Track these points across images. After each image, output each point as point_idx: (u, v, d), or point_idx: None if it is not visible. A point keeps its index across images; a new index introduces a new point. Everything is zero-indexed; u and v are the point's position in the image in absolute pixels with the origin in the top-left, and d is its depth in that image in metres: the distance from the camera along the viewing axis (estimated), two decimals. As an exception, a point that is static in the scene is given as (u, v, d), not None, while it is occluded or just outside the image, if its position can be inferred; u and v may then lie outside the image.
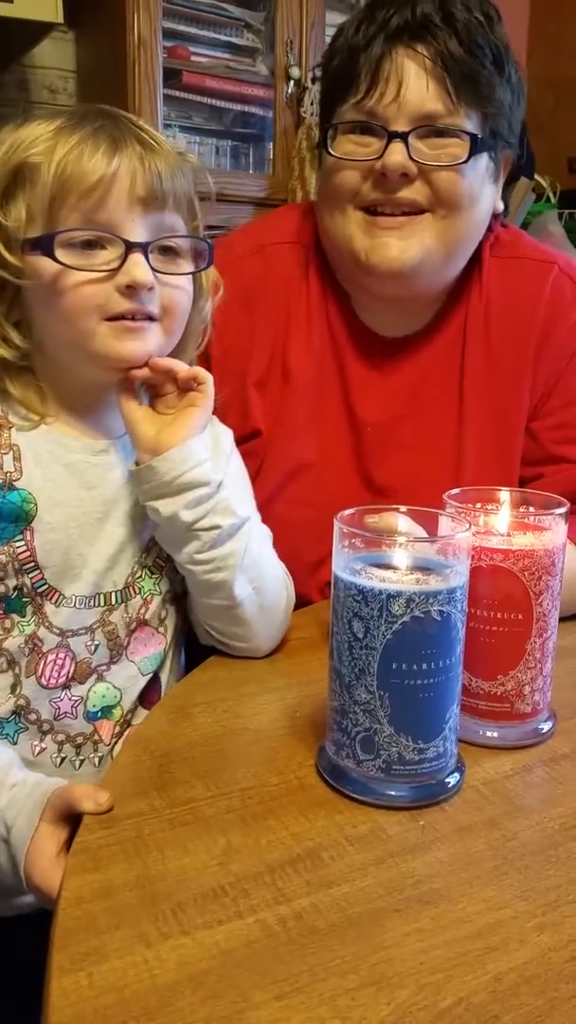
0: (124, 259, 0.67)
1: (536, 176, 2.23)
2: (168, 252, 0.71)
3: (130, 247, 0.67)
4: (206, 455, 0.71)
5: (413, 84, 0.84)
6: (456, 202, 0.87)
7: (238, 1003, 0.40)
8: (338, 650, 0.56)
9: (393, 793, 0.55)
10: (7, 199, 0.67)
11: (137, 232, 0.68)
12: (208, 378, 0.73)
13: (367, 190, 0.88)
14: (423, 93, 0.84)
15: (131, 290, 0.67)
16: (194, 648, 0.82)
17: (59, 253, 0.66)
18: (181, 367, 0.72)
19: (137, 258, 0.67)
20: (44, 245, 0.66)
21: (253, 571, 0.74)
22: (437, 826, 0.53)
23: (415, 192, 0.86)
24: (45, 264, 0.66)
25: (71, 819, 0.57)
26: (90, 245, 0.67)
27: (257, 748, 0.63)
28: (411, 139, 0.84)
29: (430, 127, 0.84)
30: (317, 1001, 0.40)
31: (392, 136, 0.84)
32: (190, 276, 0.73)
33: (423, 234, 0.87)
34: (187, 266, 0.72)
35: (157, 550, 0.76)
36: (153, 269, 0.68)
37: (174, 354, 0.74)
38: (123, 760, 0.60)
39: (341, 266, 0.95)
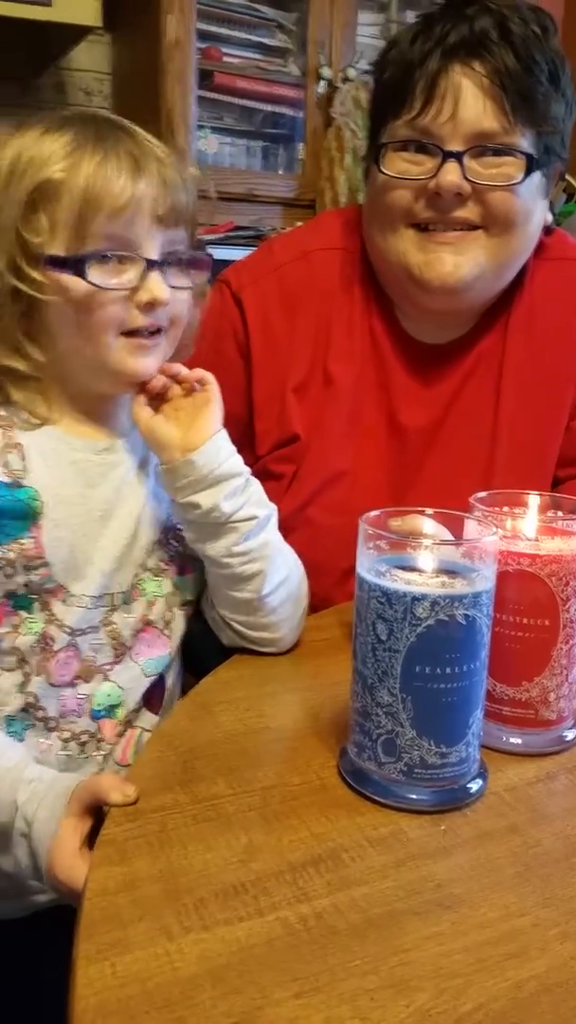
0: (144, 277, 0.68)
1: (567, 177, 2.21)
2: (175, 265, 0.72)
3: (150, 266, 0.68)
4: (232, 447, 0.74)
5: (470, 103, 0.83)
6: (510, 220, 0.87)
7: (258, 999, 0.41)
8: (361, 652, 0.56)
9: (414, 797, 0.55)
10: (29, 215, 0.67)
11: (153, 248, 0.69)
12: (211, 378, 0.74)
13: (420, 209, 0.87)
14: (479, 112, 0.83)
15: (149, 307, 0.69)
16: (193, 663, 0.82)
17: (90, 273, 0.67)
18: (183, 370, 0.74)
19: (156, 276, 0.69)
20: (75, 265, 0.66)
21: (280, 559, 0.75)
22: (458, 831, 0.53)
23: (469, 211, 0.86)
24: (72, 282, 0.67)
25: (94, 812, 0.58)
26: (106, 260, 0.67)
27: (279, 747, 0.63)
28: (466, 159, 0.84)
29: (485, 146, 0.84)
30: (337, 1000, 0.41)
31: (447, 155, 0.84)
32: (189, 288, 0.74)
33: (477, 251, 0.87)
34: (186, 278, 0.73)
35: (159, 553, 0.77)
36: (169, 285, 0.70)
37: (171, 359, 0.75)
38: (148, 755, 0.61)
39: (389, 278, 0.95)
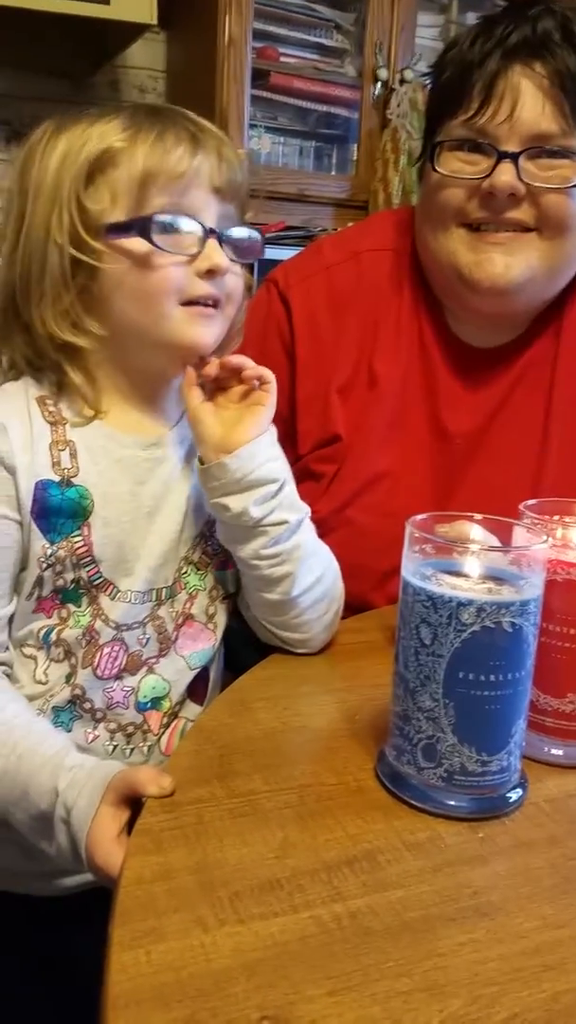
0: (203, 244, 0.69)
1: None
2: (229, 242, 0.72)
3: (208, 233, 0.69)
4: (274, 452, 0.73)
5: (528, 103, 0.82)
6: (564, 223, 0.86)
7: (290, 995, 0.41)
8: (404, 655, 0.56)
9: (453, 803, 0.55)
10: (88, 186, 0.68)
11: (210, 219, 0.70)
12: (272, 378, 0.74)
13: (473, 208, 0.87)
14: (538, 113, 0.82)
15: (210, 274, 0.69)
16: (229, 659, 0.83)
17: (154, 235, 0.67)
18: (249, 364, 0.73)
19: (215, 243, 0.69)
20: (139, 227, 0.67)
21: (312, 560, 0.75)
22: (496, 839, 0.53)
23: (522, 213, 0.86)
24: (134, 245, 0.68)
25: (131, 802, 0.58)
26: (167, 229, 0.68)
27: (316, 747, 0.63)
28: (522, 160, 0.83)
29: (541, 148, 0.83)
30: (369, 1001, 0.41)
31: (502, 156, 0.83)
32: (242, 267, 0.75)
33: (529, 253, 0.87)
34: (237, 255, 0.73)
35: (203, 546, 0.77)
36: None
37: (219, 349, 0.75)
38: (185, 748, 0.62)
39: (439, 279, 0.94)
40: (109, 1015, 0.39)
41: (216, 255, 0.69)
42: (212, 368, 0.72)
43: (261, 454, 0.71)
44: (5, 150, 2.09)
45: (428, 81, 0.95)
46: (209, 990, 0.41)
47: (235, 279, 0.73)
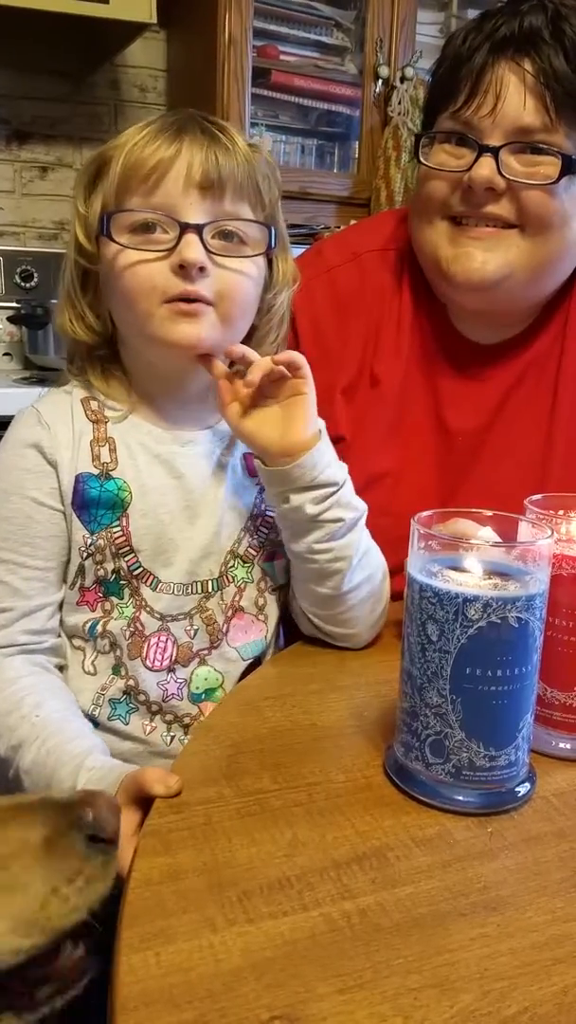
0: (179, 240, 0.69)
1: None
2: (229, 237, 0.71)
3: (184, 228, 0.69)
4: (331, 455, 0.73)
5: (511, 98, 0.82)
6: (546, 221, 0.85)
7: (301, 993, 0.41)
8: (410, 652, 0.55)
9: (461, 798, 0.54)
10: (90, 193, 0.73)
11: (194, 216, 0.69)
12: (303, 361, 0.72)
13: (455, 202, 0.87)
14: (519, 107, 0.82)
15: (183, 270, 0.69)
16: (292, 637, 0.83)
17: (116, 234, 0.69)
18: (255, 356, 0.71)
19: (190, 239, 0.68)
20: (103, 226, 0.70)
21: (365, 559, 0.75)
22: (505, 834, 0.53)
23: (502, 208, 0.85)
24: (108, 246, 0.70)
25: (143, 803, 0.58)
26: (149, 229, 0.69)
27: (324, 745, 0.63)
28: (503, 154, 0.82)
29: (524, 143, 0.83)
30: (380, 998, 0.40)
31: (483, 150, 0.83)
32: (257, 264, 0.74)
33: (508, 250, 0.86)
34: (240, 252, 0.72)
35: (248, 540, 0.78)
36: (210, 252, 0.69)
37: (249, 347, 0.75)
38: (193, 748, 0.62)
39: (427, 273, 0.94)
40: (118, 1017, 0.39)
41: (187, 250, 0.68)
42: (255, 374, 0.70)
43: (322, 460, 0.71)
44: (6, 150, 2.09)
45: (430, 77, 0.95)
46: (219, 991, 0.41)
47: (230, 276, 0.71)
